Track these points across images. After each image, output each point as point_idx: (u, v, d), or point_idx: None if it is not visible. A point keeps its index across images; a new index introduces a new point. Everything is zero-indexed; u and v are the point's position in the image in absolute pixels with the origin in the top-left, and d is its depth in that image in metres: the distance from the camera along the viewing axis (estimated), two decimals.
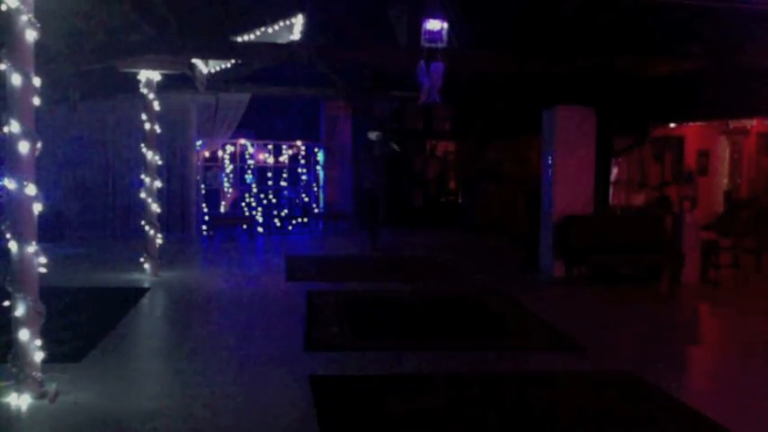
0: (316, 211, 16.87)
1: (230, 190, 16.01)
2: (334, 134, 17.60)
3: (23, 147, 4.79)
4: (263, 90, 14.91)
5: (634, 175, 17.27)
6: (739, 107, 12.32)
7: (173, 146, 14.50)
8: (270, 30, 12.33)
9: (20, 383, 4.85)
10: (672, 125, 16.11)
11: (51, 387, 5.01)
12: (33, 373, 4.89)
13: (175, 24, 9.03)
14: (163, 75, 10.05)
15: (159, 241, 10.19)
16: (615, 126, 11.99)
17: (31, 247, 4.84)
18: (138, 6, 8.28)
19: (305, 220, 16.64)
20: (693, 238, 10.16)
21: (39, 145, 4.89)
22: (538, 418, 4.92)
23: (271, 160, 16.37)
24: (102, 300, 8.52)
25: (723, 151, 16.83)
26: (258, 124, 16.41)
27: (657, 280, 10.29)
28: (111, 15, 8.52)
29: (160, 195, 10.52)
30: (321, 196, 17.17)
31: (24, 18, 4.75)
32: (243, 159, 16.03)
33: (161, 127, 10.34)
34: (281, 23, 12.58)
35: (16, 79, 4.76)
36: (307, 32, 13.14)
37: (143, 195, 10.14)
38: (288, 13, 12.56)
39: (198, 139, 15.03)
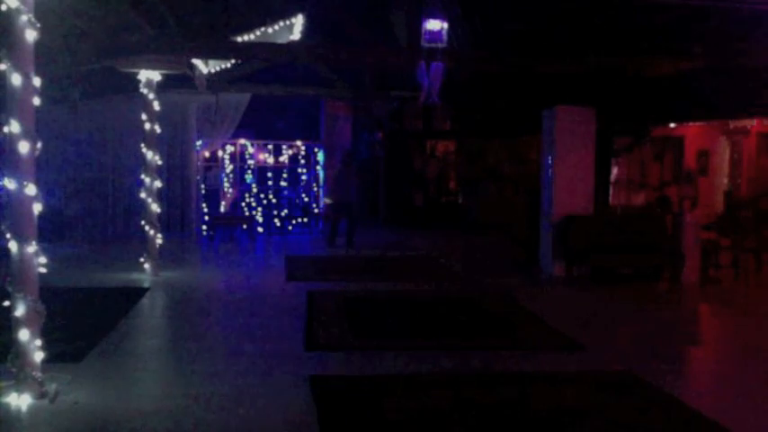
0: (316, 211, 16.87)
1: (230, 190, 16.00)
2: (334, 134, 17.62)
3: (23, 147, 4.79)
4: (263, 90, 14.92)
5: (634, 175, 17.29)
6: (739, 107, 12.33)
7: (173, 146, 14.48)
8: (270, 30, 12.33)
9: (20, 383, 4.85)
10: (672, 125, 16.13)
11: (51, 387, 5.01)
12: (33, 373, 4.89)
13: (175, 24, 9.04)
14: (163, 75, 10.05)
15: (159, 241, 10.18)
16: (615, 126, 12.00)
17: (31, 247, 4.84)
18: (138, 6, 8.28)
19: (305, 220, 16.64)
20: (693, 238, 10.16)
21: (39, 145, 4.88)
22: (538, 417, 4.93)
23: (271, 160, 16.36)
24: (102, 300, 8.52)
25: (723, 151, 16.84)
26: (258, 124, 16.41)
27: (657, 280, 10.30)
28: (110, 15, 8.52)
29: (160, 195, 10.52)
30: (321, 196, 17.18)
31: (24, 18, 4.75)
32: (243, 159, 16.03)
33: (161, 127, 10.33)
34: (281, 23, 12.58)
35: (16, 79, 4.76)
36: (307, 32, 13.14)
37: (143, 195, 10.14)
38: (288, 13, 12.56)
39: (198, 139, 15.03)
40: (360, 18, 13.07)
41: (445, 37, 8.62)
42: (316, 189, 17.07)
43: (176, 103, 13.96)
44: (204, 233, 14.88)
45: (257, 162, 16.20)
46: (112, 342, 6.57)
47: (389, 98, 16.44)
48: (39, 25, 4.84)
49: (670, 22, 9.22)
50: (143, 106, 10.09)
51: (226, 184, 15.96)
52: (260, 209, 16.13)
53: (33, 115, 4.89)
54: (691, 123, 16.13)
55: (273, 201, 16.37)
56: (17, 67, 4.76)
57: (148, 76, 9.91)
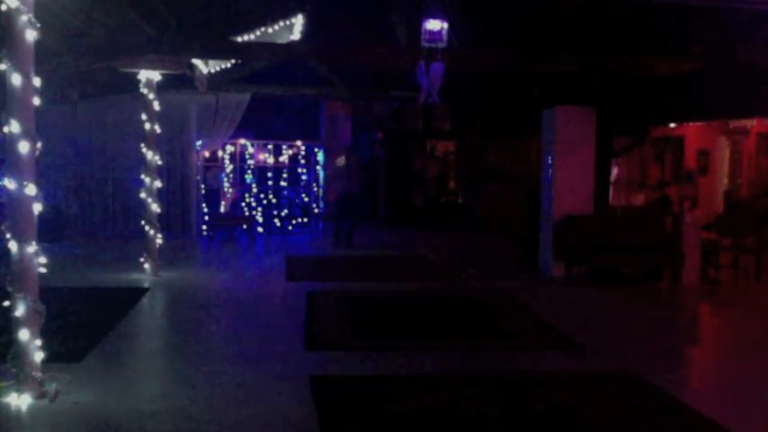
0: (316, 211, 16.87)
1: (230, 190, 16.00)
2: (335, 134, 17.62)
3: (23, 147, 4.79)
4: (263, 90, 14.91)
5: (634, 175, 17.28)
6: (739, 107, 12.31)
7: (173, 146, 14.48)
8: (270, 30, 12.32)
9: (20, 383, 4.85)
10: (672, 125, 16.12)
11: (51, 387, 5.01)
12: (33, 373, 4.89)
13: (175, 24, 9.03)
14: (163, 75, 10.05)
15: (159, 241, 10.18)
16: (615, 126, 11.99)
17: (31, 247, 4.84)
18: (138, 6, 8.27)
19: (305, 220, 16.64)
20: (693, 238, 10.16)
21: (39, 145, 4.89)
22: (537, 418, 4.93)
23: (271, 160, 16.36)
24: (102, 300, 8.52)
25: (723, 151, 16.84)
26: (258, 124, 16.40)
27: (657, 280, 10.30)
28: (110, 15, 8.51)
29: (160, 195, 10.52)
30: (321, 196, 17.18)
31: (24, 18, 4.75)
32: (243, 159, 16.02)
33: (161, 127, 10.33)
34: (281, 23, 12.57)
35: (16, 79, 4.76)
36: (307, 32, 13.13)
37: (143, 195, 10.14)
38: (288, 13, 12.55)
39: (198, 139, 15.03)
40: (360, 18, 13.05)
41: (445, 37, 8.60)
42: (316, 189, 17.08)
43: (176, 103, 13.96)
44: (204, 233, 14.88)
45: (257, 162, 16.20)
46: (112, 342, 6.57)
47: (389, 98, 16.43)
48: (39, 25, 4.84)
49: (670, 22, 9.21)
50: (143, 106, 10.09)
51: (226, 184, 15.96)
52: (260, 209, 16.13)
53: (33, 115, 4.89)
54: (691, 123, 16.12)
55: (273, 201, 16.37)
56: (17, 67, 4.76)
57: (148, 76, 9.91)
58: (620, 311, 8.59)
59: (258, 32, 11.95)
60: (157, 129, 10.15)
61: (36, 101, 4.90)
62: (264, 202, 16.25)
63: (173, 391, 5.31)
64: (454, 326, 7.70)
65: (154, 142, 10.14)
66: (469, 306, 8.69)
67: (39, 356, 4.97)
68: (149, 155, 10.07)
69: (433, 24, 8.50)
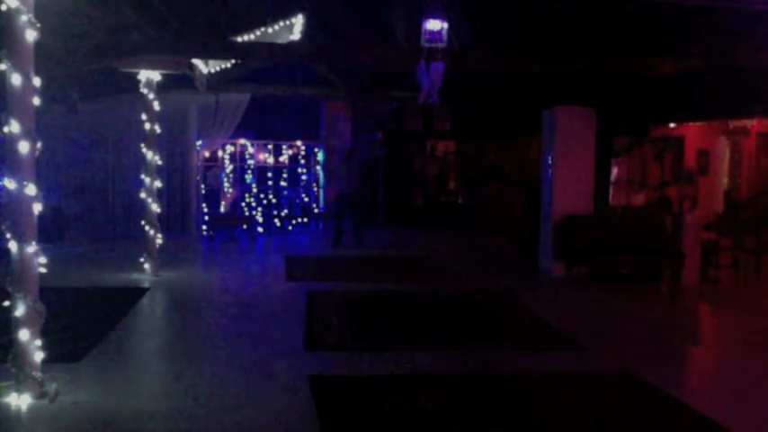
0: (316, 211, 16.87)
1: (230, 190, 16.01)
2: (335, 134, 17.63)
3: (23, 147, 4.79)
4: (263, 90, 14.92)
5: (634, 175, 17.28)
6: (739, 107, 12.32)
7: (173, 146, 14.49)
8: (270, 30, 12.33)
9: (20, 383, 4.85)
10: (672, 125, 16.12)
11: (51, 387, 5.01)
12: (33, 373, 4.89)
13: (175, 24, 9.04)
14: (163, 75, 10.05)
15: (159, 241, 10.18)
16: (615, 126, 12.00)
17: (31, 247, 4.84)
18: (138, 6, 8.28)
19: (305, 220, 16.64)
20: (693, 238, 10.16)
21: (39, 145, 4.88)
22: (537, 418, 4.93)
23: (271, 160, 16.37)
24: (102, 300, 8.52)
25: (723, 151, 16.84)
26: (258, 124, 16.42)
27: (657, 280, 10.30)
28: (110, 15, 8.52)
29: (160, 195, 10.51)
30: (321, 196, 17.18)
31: (24, 18, 4.75)
32: (243, 159, 16.03)
33: (161, 127, 10.33)
34: (281, 23, 12.58)
35: (16, 79, 4.76)
36: (307, 32, 13.14)
37: (143, 195, 10.14)
38: (288, 13, 12.56)
39: (198, 139, 15.03)
40: (360, 18, 13.05)
41: (445, 37, 8.60)
42: (316, 189, 17.08)
43: (176, 103, 13.95)
44: (204, 233, 14.88)
45: (257, 162, 16.21)
46: (112, 342, 6.57)
47: (389, 98, 16.43)
48: (39, 25, 4.84)
49: (670, 22, 9.21)
50: (143, 106, 10.09)
51: (226, 184, 15.96)
52: (260, 209, 16.13)
53: (33, 115, 4.89)
54: (691, 123, 16.12)
55: (273, 201, 16.38)
56: (17, 67, 4.76)
57: (148, 76, 9.91)
58: (620, 311, 8.59)
59: (258, 32, 11.96)
60: (157, 129, 10.14)
61: (36, 101, 4.90)
62: (264, 202, 16.26)
63: (173, 391, 5.31)
64: (454, 326, 7.70)
65: (154, 142, 10.14)
66: (469, 306, 8.69)
67: (39, 356, 4.96)
68: (149, 155, 10.07)
69: (433, 24, 8.49)
